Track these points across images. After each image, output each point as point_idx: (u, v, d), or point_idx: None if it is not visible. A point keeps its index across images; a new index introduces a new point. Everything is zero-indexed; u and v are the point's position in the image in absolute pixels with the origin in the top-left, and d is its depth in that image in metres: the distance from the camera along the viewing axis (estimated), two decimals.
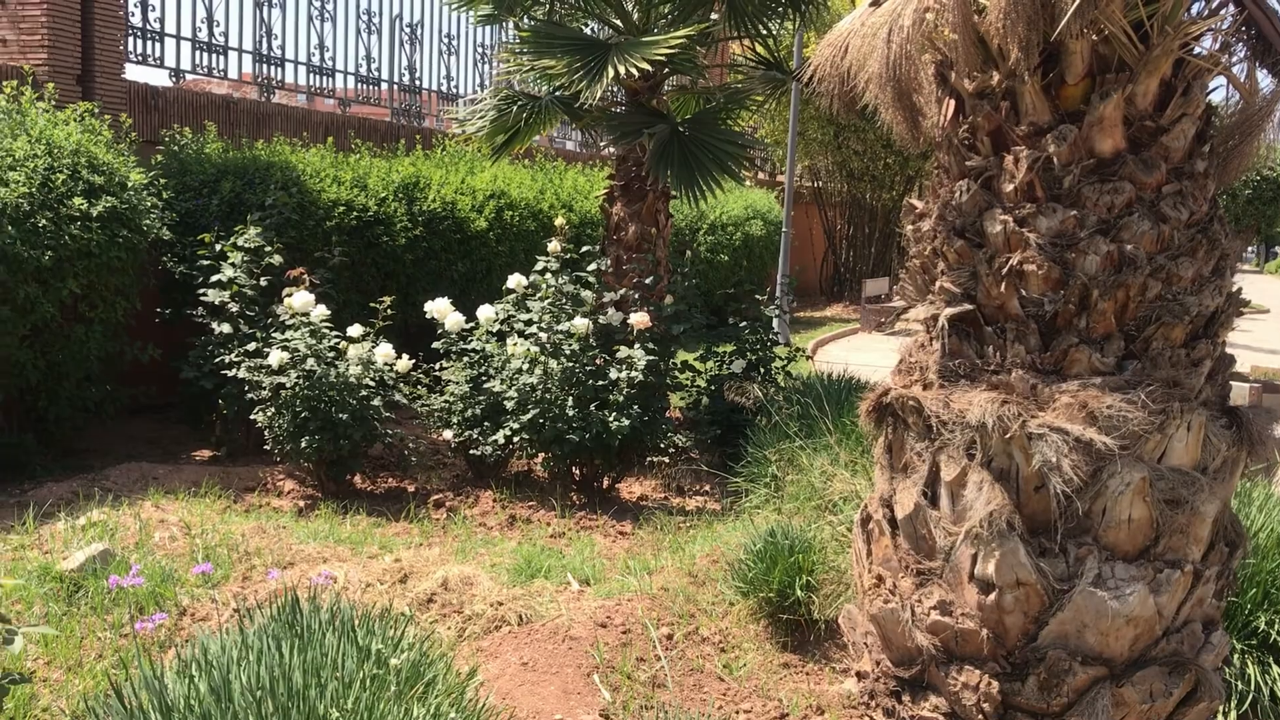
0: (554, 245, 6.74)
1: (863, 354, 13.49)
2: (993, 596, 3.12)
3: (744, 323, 7.77)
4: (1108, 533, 3.07)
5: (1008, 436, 3.05)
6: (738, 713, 3.92)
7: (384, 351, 6.46)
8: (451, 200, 9.77)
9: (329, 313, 6.49)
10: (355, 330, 6.51)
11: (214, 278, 7.09)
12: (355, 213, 8.72)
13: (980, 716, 3.17)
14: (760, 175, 22.16)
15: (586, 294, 6.84)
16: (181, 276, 7.52)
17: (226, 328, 7.01)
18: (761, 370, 7.87)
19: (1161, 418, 3.02)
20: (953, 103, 3.37)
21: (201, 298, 7.12)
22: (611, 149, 8.36)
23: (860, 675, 3.61)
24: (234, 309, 7.07)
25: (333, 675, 2.62)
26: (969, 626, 3.17)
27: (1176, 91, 3.12)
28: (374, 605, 4.34)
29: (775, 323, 14.23)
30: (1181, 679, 3.12)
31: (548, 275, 6.73)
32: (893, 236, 21.89)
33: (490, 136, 8.56)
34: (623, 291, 7.05)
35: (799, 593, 4.46)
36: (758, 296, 7.85)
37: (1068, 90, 3.13)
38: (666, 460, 7.34)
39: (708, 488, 7.22)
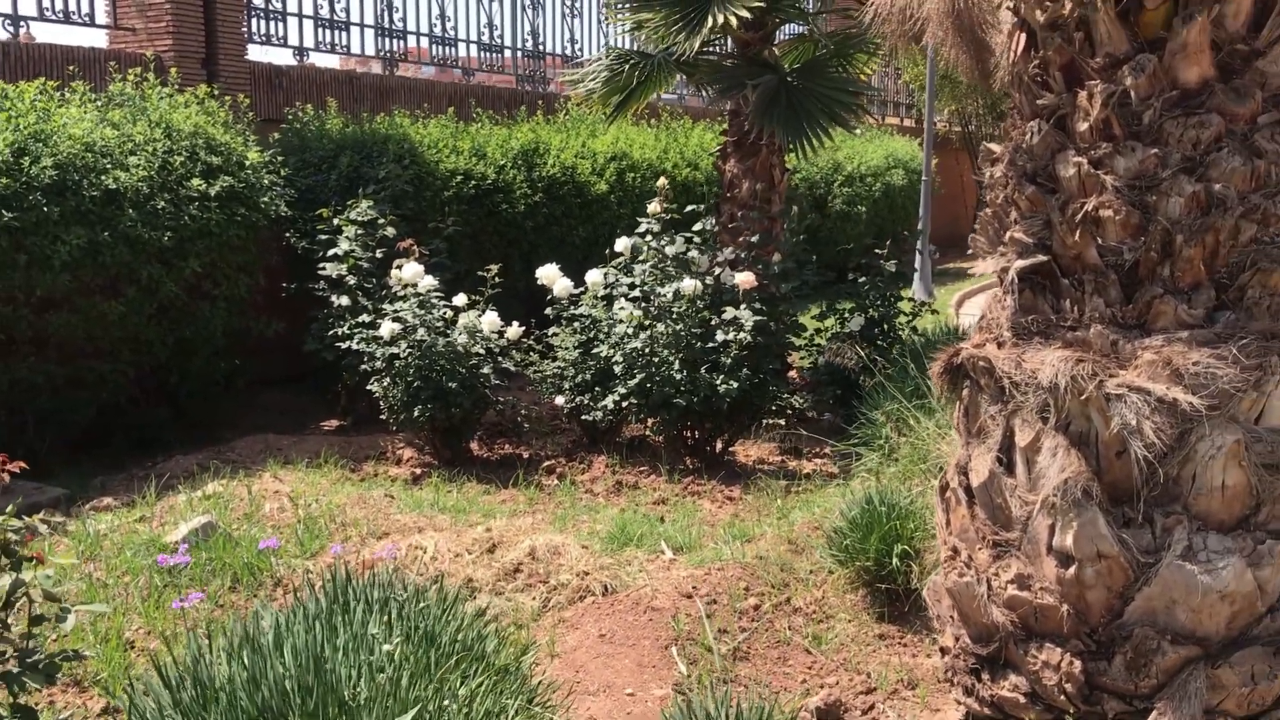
0: (654, 206, 6.62)
1: None
2: (1072, 570, 2.89)
3: (863, 278, 7.51)
4: (1198, 501, 2.81)
5: (1083, 398, 2.81)
6: (822, 686, 3.78)
7: (489, 320, 6.47)
8: (571, 165, 9.74)
9: (436, 283, 6.53)
10: (460, 299, 6.53)
11: (330, 251, 7.23)
12: (474, 182, 8.77)
13: (1063, 697, 2.96)
14: (906, 122, 21.46)
15: (694, 254, 6.69)
16: (303, 251, 7.68)
17: (345, 300, 7.14)
18: (885, 327, 7.61)
19: (1257, 374, 2.73)
20: (1024, 36, 3.10)
21: (320, 271, 7.27)
22: (725, 104, 8.15)
23: (944, 650, 3.42)
24: (351, 282, 7.19)
25: (366, 657, 2.60)
26: (1048, 602, 2.96)
27: (1274, 9, 2.79)
28: (458, 576, 4.36)
29: (916, 276, 13.85)
30: None
31: (648, 238, 6.62)
32: None
33: (605, 98, 8.44)
34: (729, 251, 6.88)
35: (895, 561, 4.28)
36: (877, 251, 7.56)
37: (1147, 16, 2.84)
38: (782, 423, 7.17)
39: (827, 450, 7.02)
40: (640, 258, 6.64)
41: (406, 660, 2.71)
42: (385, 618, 2.88)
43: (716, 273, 6.70)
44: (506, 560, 4.46)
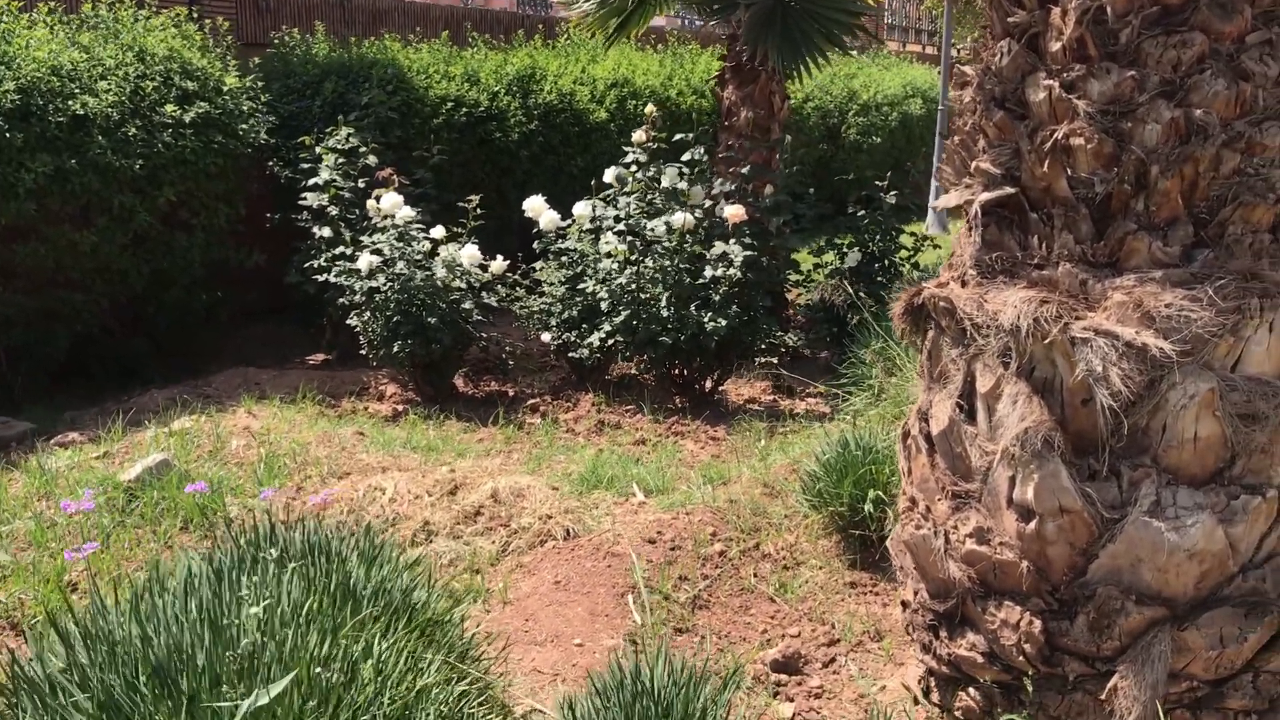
0: (639, 135, 6.37)
1: None
2: (1033, 525, 2.71)
3: (862, 212, 7.25)
4: (1168, 453, 2.61)
5: (1047, 341, 2.60)
6: (783, 637, 3.63)
7: (469, 253, 6.27)
8: (569, 91, 9.46)
9: (415, 214, 6.33)
10: (438, 231, 6.33)
11: (311, 181, 7.02)
12: (465, 109, 8.52)
13: (1021, 658, 2.79)
14: (929, 50, 20.94)
15: (683, 186, 6.44)
16: (287, 181, 7.49)
17: (327, 231, 6.96)
18: (885, 263, 7.37)
19: (1235, 317, 2.51)
20: None
21: (300, 201, 7.08)
22: (722, 27, 7.84)
23: (904, 604, 3.26)
24: (333, 212, 7.00)
25: (274, 613, 2.46)
26: (1008, 558, 2.78)
27: None
28: (416, 519, 4.22)
29: (931, 208, 13.50)
30: (1261, 621, 2.65)
31: (634, 168, 6.38)
32: None
33: (602, 20, 8.17)
34: (719, 181, 6.63)
35: (868, 507, 4.11)
36: (877, 183, 7.29)
37: None
38: (774, 361, 6.97)
39: (821, 389, 6.83)
40: (626, 189, 6.41)
41: (325, 614, 2.57)
42: (309, 570, 2.73)
43: (707, 205, 6.46)
44: (468, 503, 4.31)
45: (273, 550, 2.70)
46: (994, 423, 2.77)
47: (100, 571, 3.93)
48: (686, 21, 13.77)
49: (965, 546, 2.86)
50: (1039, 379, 2.70)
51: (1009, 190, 2.76)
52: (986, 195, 2.78)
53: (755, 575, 3.98)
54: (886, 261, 7.33)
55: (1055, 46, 2.67)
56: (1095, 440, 2.66)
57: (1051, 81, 2.66)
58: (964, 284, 2.89)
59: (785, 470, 4.86)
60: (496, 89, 8.86)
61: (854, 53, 10.20)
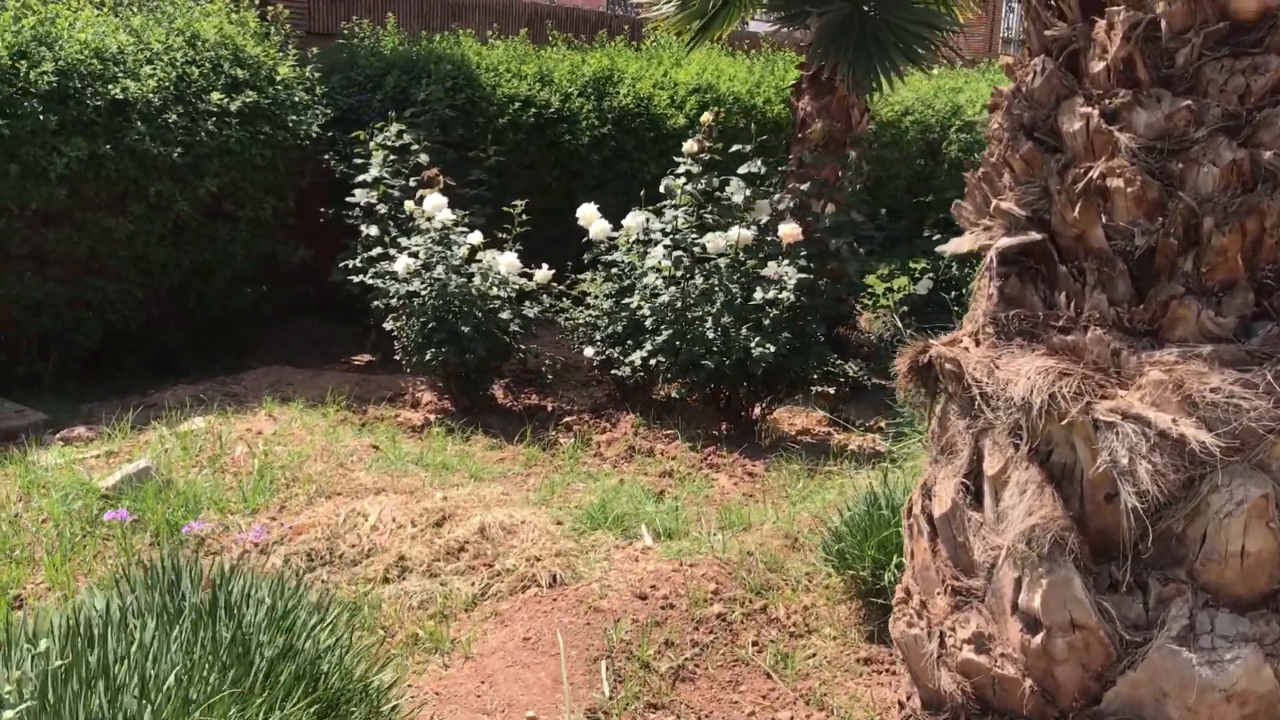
0: (690, 145, 5.96)
1: None
2: (1039, 639, 2.26)
3: (937, 235, 6.74)
4: (1207, 568, 2.14)
5: (1065, 423, 2.16)
6: None
7: (508, 261, 5.94)
8: (647, 95, 9.09)
9: (454, 216, 6.03)
10: (475, 237, 6.02)
11: (360, 177, 6.78)
12: (535, 109, 8.21)
13: None
14: None
15: (738, 199, 6.02)
16: (341, 175, 7.26)
17: (374, 230, 6.71)
18: (962, 290, 6.84)
19: None
20: None
21: (349, 198, 6.84)
22: (796, 33, 7.41)
23: (900, 705, 2.83)
24: (382, 210, 6.74)
25: (142, 683, 2.15)
26: (1009, 673, 2.33)
27: None
28: (391, 552, 3.90)
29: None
30: None
31: (682, 179, 5.98)
32: None
33: (684, 23, 7.80)
34: (777, 197, 6.18)
35: (890, 575, 3.65)
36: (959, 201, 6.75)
37: None
38: (831, 391, 6.50)
39: (882, 424, 6.34)
40: (674, 202, 6.01)
41: (205, 683, 2.25)
42: (201, 626, 2.41)
43: (765, 221, 6.02)
44: (452, 537, 3.97)
45: (168, 606, 2.39)
46: (999, 512, 2.33)
47: (55, 585, 3.70)
48: (785, 29, 13.28)
49: (962, 654, 2.42)
50: (1057, 464, 2.25)
51: (1034, 236, 2.32)
52: (1006, 241, 2.33)
53: (754, 644, 3.56)
54: (964, 289, 6.80)
55: (1098, 67, 2.21)
56: (1119, 544, 2.20)
57: (1090, 109, 2.20)
58: (979, 343, 2.45)
59: (810, 520, 4.42)
60: (570, 90, 8.53)
61: (934, 71, 9.58)
